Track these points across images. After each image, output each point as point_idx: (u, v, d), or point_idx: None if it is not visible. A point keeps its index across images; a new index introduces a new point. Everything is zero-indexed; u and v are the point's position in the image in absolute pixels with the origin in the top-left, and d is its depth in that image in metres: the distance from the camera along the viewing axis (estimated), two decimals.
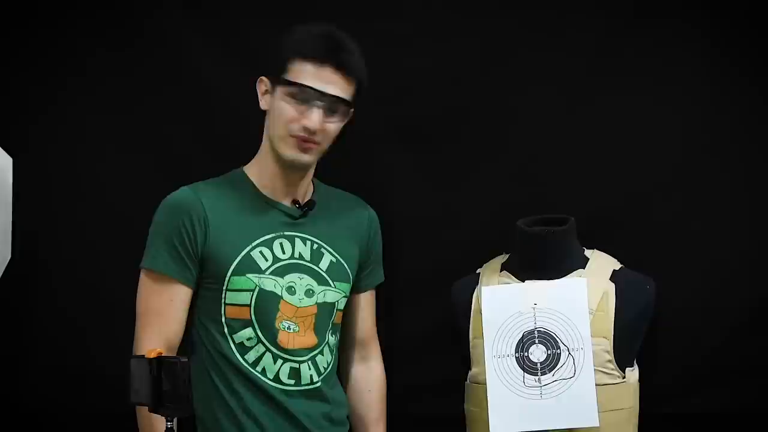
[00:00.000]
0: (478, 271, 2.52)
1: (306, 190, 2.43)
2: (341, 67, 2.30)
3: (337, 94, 2.30)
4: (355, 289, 2.51)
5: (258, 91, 2.37)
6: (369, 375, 2.56)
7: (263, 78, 2.36)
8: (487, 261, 2.54)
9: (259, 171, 2.40)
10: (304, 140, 2.30)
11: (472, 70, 2.80)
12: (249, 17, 2.80)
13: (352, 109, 2.37)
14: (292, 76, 2.29)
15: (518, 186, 2.77)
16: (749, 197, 2.76)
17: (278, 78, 2.31)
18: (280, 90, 2.31)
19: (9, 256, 2.57)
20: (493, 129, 2.80)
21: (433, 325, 2.74)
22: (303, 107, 2.29)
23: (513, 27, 2.80)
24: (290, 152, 2.32)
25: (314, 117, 2.29)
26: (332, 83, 2.30)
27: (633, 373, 2.40)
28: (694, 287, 2.70)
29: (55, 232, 2.86)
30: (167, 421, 1.99)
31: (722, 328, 2.72)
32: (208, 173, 2.46)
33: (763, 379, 2.72)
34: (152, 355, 1.98)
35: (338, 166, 2.52)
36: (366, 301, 2.55)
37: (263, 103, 2.36)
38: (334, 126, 2.33)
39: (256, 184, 2.39)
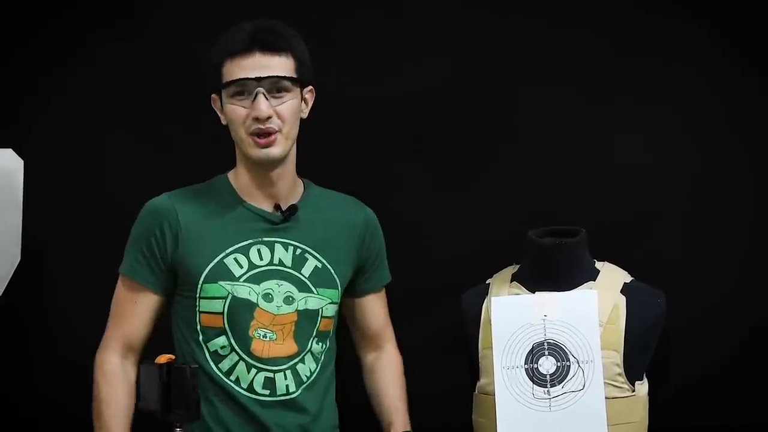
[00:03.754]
0: (488, 282, 2.52)
1: (289, 192, 2.38)
2: (267, 47, 2.27)
3: (273, 74, 2.27)
4: (361, 293, 2.48)
5: (216, 110, 2.35)
6: (382, 356, 2.53)
7: (213, 95, 2.34)
8: (498, 271, 2.54)
9: (238, 178, 2.38)
10: (261, 133, 2.28)
11: (484, 79, 2.80)
12: (252, 15, 2.79)
13: (310, 87, 2.35)
14: (226, 77, 2.28)
15: (530, 197, 2.76)
16: (757, 210, 2.75)
17: (218, 86, 2.30)
18: (224, 96, 2.30)
19: (18, 259, 2.58)
20: (505, 138, 2.79)
21: (442, 335, 2.73)
22: (248, 101, 2.27)
23: (525, 36, 2.79)
24: (255, 151, 2.29)
25: (260, 105, 2.25)
26: (264, 66, 2.26)
27: (642, 387, 2.39)
28: (706, 300, 2.70)
29: (59, 234, 2.85)
30: (176, 426, 1.99)
31: (732, 341, 2.71)
32: (217, 173, 2.44)
33: None
34: (162, 361, 1.98)
35: (347, 173, 2.51)
36: (374, 302, 2.52)
37: (222, 118, 2.34)
38: (286, 106, 2.28)
39: (237, 191, 2.37)
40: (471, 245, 2.76)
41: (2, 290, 2.59)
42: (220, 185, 2.38)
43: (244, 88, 2.26)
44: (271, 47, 2.27)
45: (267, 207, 2.36)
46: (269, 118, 2.26)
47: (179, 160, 2.85)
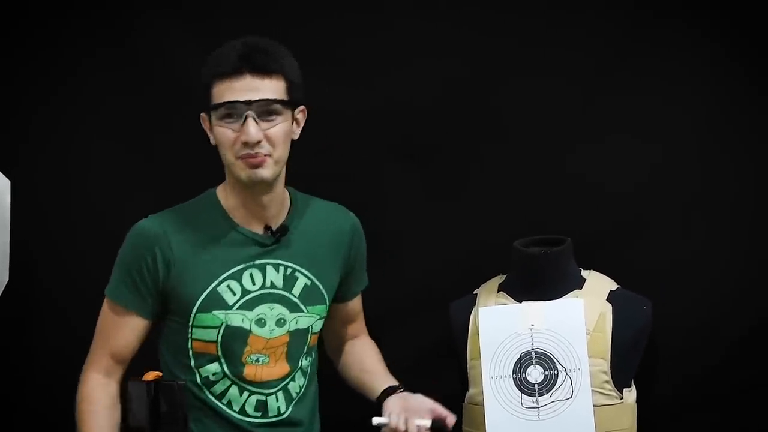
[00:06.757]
0: (475, 292, 2.53)
1: (279, 208, 2.33)
2: (257, 69, 2.19)
3: (264, 97, 2.19)
4: (342, 299, 2.46)
5: (205, 129, 2.29)
6: (356, 342, 2.52)
7: (202, 114, 2.27)
8: (484, 281, 2.55)
9: (227, 197, 2.32)
10: (251, 157, 2.20)
11: (471, 89, 2.80)
12: (247, 20, 2.79)
13: (301, 107, 2.29)
14: (215, 99, 2.20)
15: (516, 206, 2.75)
16: (748, 217, 2.75)
17: (207, 107, 2.24)
18: (213, 117, 2.23)
19: (6, 279, 2.58)
20: (491, 149, 2.79)
21: (430, 346, 2.73)
22: (238, 125, 2.20)
23: (513, 44, 2.78)
24: (244, 173, 2.22)
25: (250, 129, 2.17)
26: (254, 89, 2.18)
27: (630, 394, 2.41)
28: (692, 308, 2.68)
29: (54, 241, 2.86)
30: None
31: (721, 348, 2.70)
32: (207, 184, 2.43)
33: (760, 399, 2.71)
34: (150, 378, 1.99)
35: (336, 183, 2.51)
36: (353, 307, 2.50)
37: (211, 138, 2.26)
38: (277, 130, 2.21)
39: (227, 211, 2.31)
40: (458, 255, 2.76)
41: None
42: (209, 204, 2.32)
43: (234, 110, 2.18)
44: (262, 69, 2.19)
45: (258, 229, 2.31)
46: (259, 142, 2.19)
47: (167, 169, 2.84)
